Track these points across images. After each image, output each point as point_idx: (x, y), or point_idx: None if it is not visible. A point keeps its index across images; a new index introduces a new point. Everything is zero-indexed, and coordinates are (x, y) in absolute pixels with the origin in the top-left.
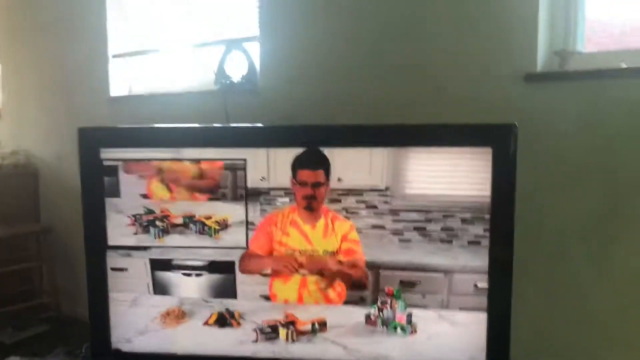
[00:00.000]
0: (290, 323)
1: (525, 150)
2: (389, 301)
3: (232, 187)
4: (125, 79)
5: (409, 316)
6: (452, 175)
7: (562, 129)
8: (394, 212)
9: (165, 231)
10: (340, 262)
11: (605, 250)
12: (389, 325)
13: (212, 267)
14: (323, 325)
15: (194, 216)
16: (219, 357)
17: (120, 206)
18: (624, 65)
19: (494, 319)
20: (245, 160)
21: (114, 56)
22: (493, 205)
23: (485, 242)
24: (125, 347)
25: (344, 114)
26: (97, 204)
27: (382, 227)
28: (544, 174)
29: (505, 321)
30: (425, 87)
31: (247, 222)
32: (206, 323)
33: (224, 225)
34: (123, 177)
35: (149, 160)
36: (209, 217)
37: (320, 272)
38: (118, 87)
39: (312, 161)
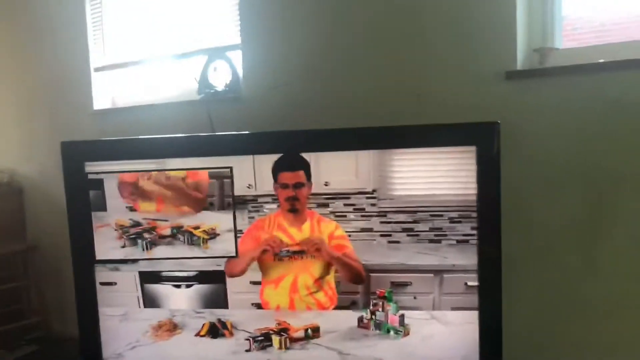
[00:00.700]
0: (283, 330)
1: (510, 148)
2: (380, 304)
3: (219, 195)
4: (109, 92)
5: (402, 318)
6: (438, 175)
7: (544, 124)
8: (382, 214)
9: (153, 243)
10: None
11: (593, 244)
12: (382, 328)
13: (202, 277)
14: (316, 331)
15: (182, 226)
16: None
17: (106, 219)
18: (601, 60)
19: (486, 316)
20: (231, 168)
21: (96, 69)
22: (479, 203)
23: (474, 241)
24: None
25: (328, 118)
26: (84, 218)
27: (370, 230)
28: (529, 170)
29: (496, 318)
30: (408, 89)
31: (235, 230)
32: (198, 334)
33: (212, 235)
34: (109, 189)
35: (134, 172)
36: (197, 227)
37: (317, 251)
38: (101, 100)
39: (290, 163)
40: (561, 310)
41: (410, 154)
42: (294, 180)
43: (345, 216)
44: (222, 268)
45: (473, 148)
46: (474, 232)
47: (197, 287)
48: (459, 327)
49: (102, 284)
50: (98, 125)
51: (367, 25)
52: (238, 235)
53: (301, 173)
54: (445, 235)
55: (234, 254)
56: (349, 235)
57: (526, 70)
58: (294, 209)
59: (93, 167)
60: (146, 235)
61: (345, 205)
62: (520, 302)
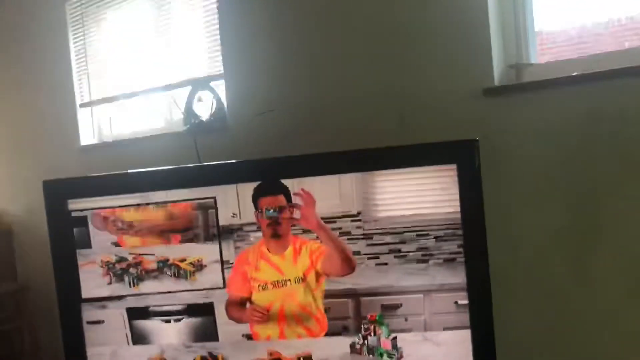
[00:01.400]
0: None
1: (492, 163)
2: (372, 328)
3: (204, 226)
4: (95, 127)
5: (394, 341)
6: (421, 195)
7: (524, 139)
8: (368, 236)
9: (139, 278)
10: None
11: (581, 255)
12: (375, 352)
13: (191, 310)
14: (309, 359)
15: (168, 260)
16: None
17: (92, 256)
18: (575, 73)
19: (478, 334)
20: (214, 198)
21: (82, 105)
22: (464, 220)
23: (461, 258)
24: None
25: (313, 143)
26: (68, 257)
27: (358, 253)
28: (513, 185)
29: (489, 336)
30: (388, 111)
31: (222, 260)
32: None
33: (199, 267)
34: (93, 226)
35: (117, 207)
36: (183, 260)
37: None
38: (87, 135)
39: (270, 188)
40: (554, 323)
41: (392, 175)
42: (275, 204)
43: None
44: (210, 300)
45: (454, 166)
46: (461, 249)
47: (187, 321)
48: (452, 347)
49: (89, 322)
50: (85, 160)
51: (347, 50)
52: (226, 267)
53: (281, 197)
54: (432, 254)
55: (221, 285)
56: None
57: (503, 86)
58: (277, 234)
59: (76, 205)
60: (132, 270)
61: (331, 229)
62: (512, 317)
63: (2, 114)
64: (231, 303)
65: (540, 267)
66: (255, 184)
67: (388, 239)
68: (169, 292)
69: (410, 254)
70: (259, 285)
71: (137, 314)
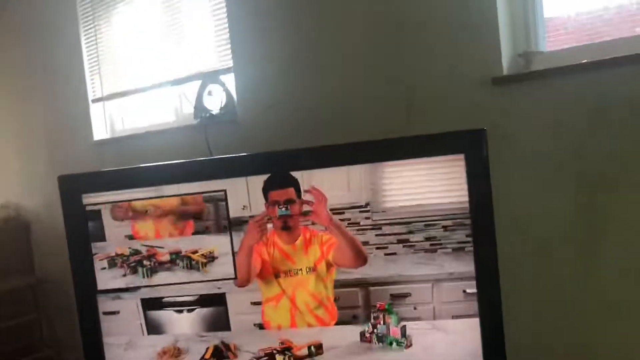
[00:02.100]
0: (286, 349)
1: (500, 153)
2: (381, 316)
3: (215, 218)
4: (107, 122)
5: (403, 329)
6: (429, 185)
7: (533, 127)
8: (376, 227)
9: (153, 270)
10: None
11: (589, 245)
12: (385, 340)
13: (204, 300)
14: (319, 347)
15: (181, 252)
16: None
17: (106, 249)
18: (584, 60)
19: (487, 323)
20: (225, 191)
21: (94, 100)
22: (472, 210)
23: (469, 248)
24: None
25: (323, 134)
26: (84, 250)
27: (366, 243)
28: (521, 174)
29: (497, 324)
30: (396, 101)
31: (233, 252)
32: (203, 358)
33: (210, 258)
34: (107, 220)
35: (130, 201)
36: (195, 252)
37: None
38: (100, 130)
39: (280, 181)
40: (562, 313)
41: (400, 165)
42: (285, 197)
43: None
44: (222, 291)
45: (461, 156)
46: (469, 239)
47: (199, 311)
48: (461, 335)
49: (105, 313)
50: (99, 155)
51: (355, 41)
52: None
53: (291, 190)
54: (441, 243)
55: (233, 276)
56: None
57: (512, 75)
58: (287, 226)
59: (90, 199)
60: (146, 262)
61: (340, 220)
62: (520, 306)
63: (17, 111)
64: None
65: (548, 257)
66: (265, 177)
67: (396, 229)
68: (182, 283)
69: (419, 243)
70: (271, 272)
71: (151, 304)
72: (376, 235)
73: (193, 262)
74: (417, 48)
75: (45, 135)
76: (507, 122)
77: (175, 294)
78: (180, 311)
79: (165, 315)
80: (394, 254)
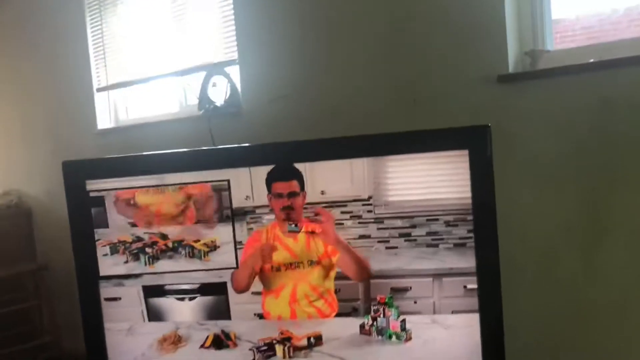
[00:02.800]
0: (286, 339)
1: (504, 150)
2: (381, 310)
3: (218, 208)
4: (112, 111)
5: (403, 323)
6: (432, 180)
7: (537, 126)
8: (378, 220)
9: (155, 257)
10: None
11: (591, 244)
12: (384, 333)
13: (205, 289)
14: (318, 339)
15: (183, 240)
16: None
17: (109, 236)
18: (591, 60)
19: (487, 319)
20: (228, 181)
21: (98, 89)
22: (474, 206)
23: (471, 243)
24: None
25: (326, 127)
26: (87, 236)
27: (368, 237)
28: (524, 173)
29: (497, 321)
30: (402, 95)
31: (235, 241)
32: (203, 346)
33: (212, 247)
34: (110, 206)
35: (134, 188)
36: (197, 240)
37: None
38: (104, 119)
39: (284, 173)
40: (562, 311)
41: (403, 160)
42: (288, 190)
43: (342, 224)
44: (224, 280)
45: (465, 152)
46: (471, 234)
47: (200, 299)
48: (461, 330)
49: (107, 299)
50: (102, 144)
51: (362, 35)
52: (239, 247)
53: (294, 183)
54: (442, 239)
55: (234, 266)
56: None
57: (518, 73)
58: (290, 218)
59: (94, 185)
60: (148, 250)
61: (342, 213)
62: (521, 303)
63: (21, 99)
64: (235, 272)
65: (549, 256)
66: (268, 168)
67: (398, 223)
68: (183, 271)
69: (421, 238)
70: (272, 267)
71: (152, 292)
72: (378, 228)
73: (195, 251)
74: (424, 44)
75: (48, 123)
76: (512, 120)
77: (176, 282)
78: (182, 299)
79: (166, 303)
80: (396, 247)
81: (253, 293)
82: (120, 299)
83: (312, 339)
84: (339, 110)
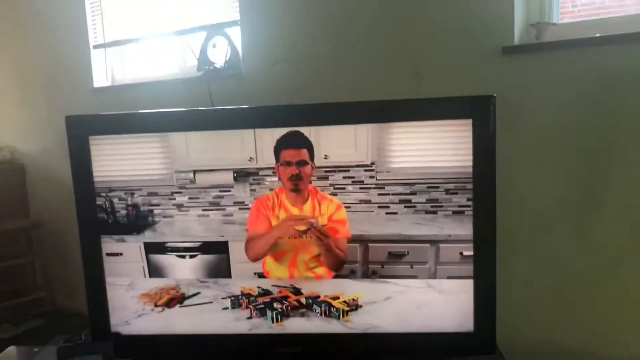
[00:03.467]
0: (284, 298)
1: (506, 122)
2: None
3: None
4: (108, 69)
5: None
6: (434, 148)
7: (540, 98)
8: (380, 186)
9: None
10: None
11: (584, 218)
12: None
13: (206, 248)
14: (316, 299)
15: None
16: (215, 335)
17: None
18: (597, 35)
19: (480, 285)
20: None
21: (95, 47)
22: (475, 174)
23: (469, 212)
24: (125, 330)
25: (327, 94)
26: (88, 191)
27: (369, 202)
28: (524, 145)
29: (490, 288)
30: (405, 64)
31: None
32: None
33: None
34: None
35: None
36: None
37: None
38: (101, 77)
39: (294, 141)
40: (553, 281)
41: (407, 127)
42: (297, 158)
43: (344, 188)
44: (225, 239)
45: (469, 121)
46: (470, 203)
47: (201, 257)
48: (455, 295)
49: (109, 254)
50: (98, 102)
51: (366, 3)
52: (241, 207)
53: (304, 151)
54: (442, 206)
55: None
56: (348, 207)
57: (523, 45)
58: (297, 188)
59: (97, 141)
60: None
61: (344, 178)
62: (513, 273)
63: (16, 54)
64: (252, 239)
65: (544, 227)
66: (273, 130)
67: (399, 189)
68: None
69: (420, 204)
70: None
71: (154, 248)
72: (379, 194)
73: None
74: (430, 13)
75: (44, 80)
76: (515, 92)
77: (178, 239)
78: (183, 256)
79: (167, 260)
80: (395, 213)
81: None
82: (121, 254)
83: (310, 300)
84: (340, 78)
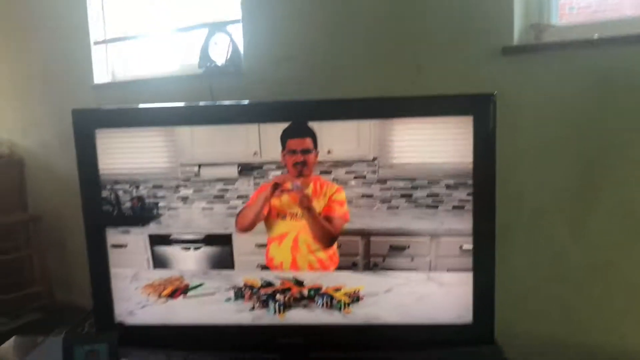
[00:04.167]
0: (286, 290)
1: (505, 120)
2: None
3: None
4: (109, 66)
5: None
6: (436, 144)
7: (539, 98)
8: (381, 181)
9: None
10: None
11: (582, 214)
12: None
13: (210, 240)
14: (318, 291)
15: None
16: (218, 325)
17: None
18: (596, 36)
19: (479, 278)
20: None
21: (96, 43)
22: (475, 170)
23: (469, 207)
24: (129, 320)
25: (328, 91)
26: (94, 183)
27: (370, 196)
28: (524, 143)
29: (489, 280)
30: (406, 63)
31: None
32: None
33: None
34: None
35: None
36: None
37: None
38: (101, 74)
39: (299, 131)
40: (550, 275)
41: (409, 123)
42: (302, 147)
43: (346, 183)
44: (229, 231)
45: (470, 118)
46: (470, 198)
47: (205, 249)
48: (454, 288)
49: (113, 246)
50: (98, 99)
51: (368, 1)
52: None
53: (308, 140)
54: (442, 201)
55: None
56: (350, 201)
57: (522, 45)
58: (302, 174)
59: (103, 134)
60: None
61: (346, 172)
62: (511, 267)
63: (17, 50)
64: (244, 208)
65: (541, 223)
66: (277, 125)
67: (401, 184)
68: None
69: (421, 199)
70: (277, 214)
71: (158, 240)
72: (381, 189)
73: None
74: (430, 14)
75: (44, 76)
76: (514, 92)
77: (182, 231)
78: (187, 248)
79: (171, 251)
80: (397, 207)
81: (257, 245)
82: (126, 245)
83: (312, 291)
84: (341, 76)
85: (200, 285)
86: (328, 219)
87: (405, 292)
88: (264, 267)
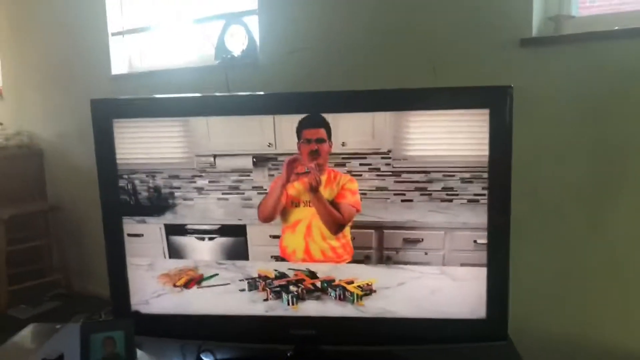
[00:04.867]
0: (299, 281)
1: (522, 113)
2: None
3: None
4: (126, 57)
5: None
6: (451, 137)
7: (557, 91)
8: (396, 173)
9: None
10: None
11: (598, 210)
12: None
13: (225, 230)
14: (331, 283)
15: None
16: (232, 316)
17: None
18: (616, 28)
19: (493, 272)
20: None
21: (114, 34)
22: (491, 164)
23: (484, 200)
24: (144, 309)
25: (343, 83)
26: (111, 173)
27: (385, 189)
28: (541, 136)
29: (504, 275)
30: (423, 54)
31: None
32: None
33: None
34: None
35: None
36: None
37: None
38: (119, 65)
39: (313, 121)
40: (565, 271)
41: (425, 116)
42: (316, 136)
43: (361, 175)
44: (243, 222)
45: (486, 111)
46: (485, 192)
47: (220, 240)
48: (468, 282)
49: (130, 235)
50: (116, 89)
51: None
52: (259, 192)
53: (322, 130)
54: (457, 194)
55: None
56: (364, 194)
57: (541, 37)
58: (316, 164)
59: (120, 124)
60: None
61: (361, 164)
62: (526, 262)
63: (35, 41)
64: (264, 199)
65: (558, 217)
66: (292, 117)
67: (415, 177)
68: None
69: (436, 192)
70: (291, 201)
71: (174, 230)
72: (395, 181)
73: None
74: (449, 4)
75: (63, 67)
76: (532, 84)
77: (197, 222)
78: (202, 238)
79: (186, 241)
80: (411, 200)
81: (271, 236)
82: (142, 235)
83: (325, 283)
84: (357, 68)
85: (214, 275)
86: (338, 204)
87: (418, 286)
88: (278, 259)
